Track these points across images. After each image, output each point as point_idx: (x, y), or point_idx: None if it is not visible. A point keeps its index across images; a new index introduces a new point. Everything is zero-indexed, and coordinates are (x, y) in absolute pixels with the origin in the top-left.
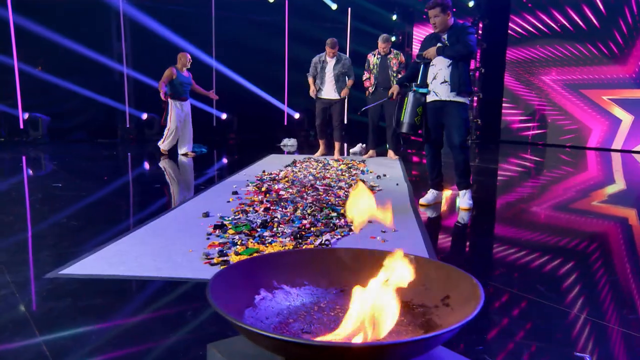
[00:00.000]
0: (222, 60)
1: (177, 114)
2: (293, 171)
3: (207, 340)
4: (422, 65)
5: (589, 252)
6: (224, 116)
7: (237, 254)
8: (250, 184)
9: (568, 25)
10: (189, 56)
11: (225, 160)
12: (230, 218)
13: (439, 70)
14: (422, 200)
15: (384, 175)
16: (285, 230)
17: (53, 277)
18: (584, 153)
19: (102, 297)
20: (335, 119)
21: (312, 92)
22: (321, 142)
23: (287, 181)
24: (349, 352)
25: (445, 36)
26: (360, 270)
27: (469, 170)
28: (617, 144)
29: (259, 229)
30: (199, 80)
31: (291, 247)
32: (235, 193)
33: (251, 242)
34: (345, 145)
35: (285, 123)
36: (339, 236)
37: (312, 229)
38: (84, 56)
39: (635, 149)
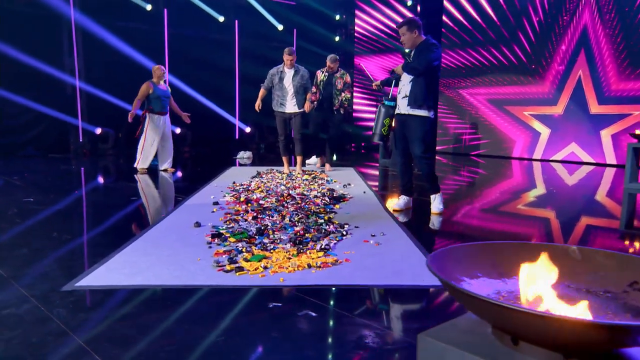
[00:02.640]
0: (176, 76)
1: (153, 128)
2: (262, 182)
3: (248, 339)
4: (393, 80)
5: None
6: (177, 130)
7: (246, 260)
8: (226, 195)
9: (494, 51)
10: (163, 68)
11: (188, 173)
12: (224, 227)
13: (403, 85)
14: (395, 206)
15: (349, 184)
16: (281, 237)
17: (71, 290)
18: (509, 162)
19: (134, 306)
20: (296, 132)
21: (257, 105)
22: (284, 159)
23: (261, 191)
24: (597, 330)
25: (412, 53)
26: (524, 261)
27: (434, 177)
28: (538, 154)
29: (257, 237)
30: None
31: (294, 252)
32: (216, 203)
33: (254, 249)
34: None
35: (237, 137)
36: (335, 241)
37: (306, 235)
38: (34, 69)
39: (553, 158)
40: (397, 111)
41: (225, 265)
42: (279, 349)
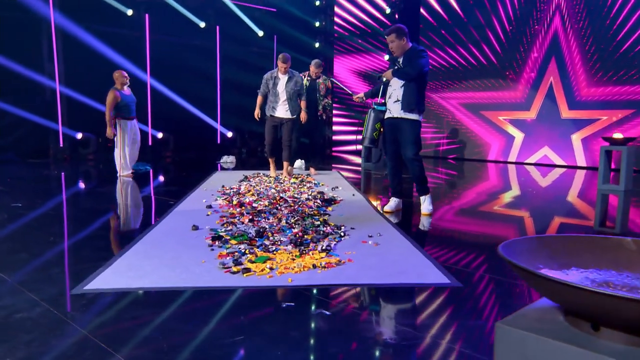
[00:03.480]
0: (157, 81)
1: (124, 134)
2: (251, 185)
3: (269, 339)
4: (382, 85)
5: None
6: (160, 135)
7: (251, 261)
8: (218, 198)
9: (469, 57)
10: (124, 73)
11: (175, 178)
12: (222, 230)
13: (394, 90)
14: (386, 208)
15: (337, 188)
16: (281, 239)
17: (81, 293)
18: (485, 165)
19: (149, 308)
20: (285, 139)
21: (256, 114)
22: (271, 160)
23: (252, 194)
24: None
25: (400, 59)
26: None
27: (424, 178)
28: (512, 157)
29: (257, 239)
30: (137, 97)
31: (297, 253)
32: (209, 207)
33: (257, 251)
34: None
35: (219, 141)
36: (334, 242)
37: (305, 236)
38: (13, 73)
39: (527, 161)
40: (388, 115)
41: (231, 267)
42: (302, 347)
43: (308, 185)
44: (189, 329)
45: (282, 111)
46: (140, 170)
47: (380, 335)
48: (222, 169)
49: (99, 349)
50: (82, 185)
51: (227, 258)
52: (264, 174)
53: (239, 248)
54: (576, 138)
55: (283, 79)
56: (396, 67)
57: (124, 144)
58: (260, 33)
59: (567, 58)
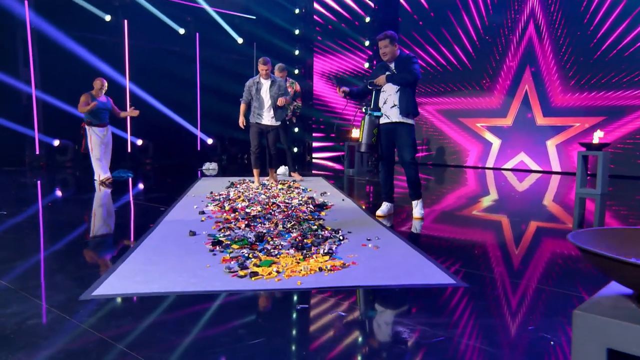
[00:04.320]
0: (137, 87)
1: (96, 140)
2: (240, 192)
3: (291, 340)
4: (374, 91)
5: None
6: (139, 142)
7: (256, 265)
8: (209, 204)
9: (445, 64)
10: (104, 81)
11: (159, 184)
12: (220, 235)
13: (389, 95)
14: (378, 212)
15: (326, 193)
16: (282, 243)
17: (90, 299)
18: (464, 171)
19: (164, 312)
20: (272, 146)
21: (241, 122)
22: (255, 172)
23: (243, 200)
24: None
25: (392, 65)
26: None
27: (419, 182)
28: (490, 162)
29: (258, 243)
30: (117, 104)
31: (300, 257)
32: (202, 213)
33: (261, 255)
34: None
35: (199, 148)
36: (335, 245)
37: (305, 241)
38: None
39: (504, 166)
40: (385, 120)
41: (237, 271)
42: (327, 348)
43: (297, 191)
44: (209, 332)
45: (267, 118)
46: (122, 177)
47: (399, 335)
48: (204, 175)
49: (122, 353)
50: (65, 192)
51: (232, 262)
52: (250, 180)
53: (242, 252)
54: (551, 144)
55: (266, 84)
56: (389, 73)
57: (97, 149)
58: (240, 40)
59: (542, 67)
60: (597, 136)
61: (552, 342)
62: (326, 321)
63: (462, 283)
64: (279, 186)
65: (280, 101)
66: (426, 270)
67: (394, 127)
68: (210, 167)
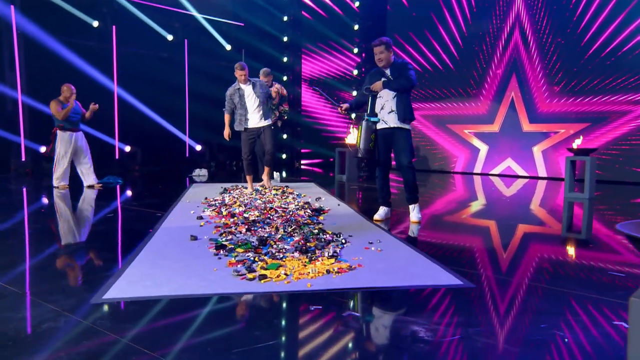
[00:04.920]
0: (126, 92)
1: (63, 144)
2: (235, 197)
3: (311, 340)
4: (370, 97)
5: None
6: (127, 148)
7: (263, 268)
8: (205, 210)
9: (432, 70)
10: (73, 88)
11: (152, 190)
12: (223, 239)
13: (386, 101)
14: (376, 216)
15: (321, 198)
16: (285, 247)
17: (100, 302)
18: (451, 176)
19: (180, 315)
20: (269, 145)
21: (226, 134)
22: (248, 178)
23: (239, 205)
24: None
25: (388, 71)
26: None
27: (416, 186)
28: (478, 168)
29: (262, 247)
30: (104, 111)
31: (306, 260)
32: (200, 218)
33: (266, 258)
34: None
35: (187, 155)
36: (338, 249)
37: (307, 244)
38: None
39: (491, 172)
40: (382, 126)
41: (245, 274)
42: (345, 349)
43: (292, 196)
44: (228, 333)
45: (255, 120)
46: (112, 184)
47: (417, 334)
48: (193, 182)
49: (143, 354)
50: (57, 199)
51: (239, 266)
52: (243, 187)
53: (248, 256)
54: (537, 150)
55: (248, 89)
56: (385, 80)
57: (60, 153)
58: (228, 47)
59: (528, 74)
60: (576, 144)
61: (565, 340)
62: (341, 322)
63: (469, 284)
64: (273, 191)
65: (277, 88)
66: (432, 271)
67: (391, 132)
68: (201, 173)
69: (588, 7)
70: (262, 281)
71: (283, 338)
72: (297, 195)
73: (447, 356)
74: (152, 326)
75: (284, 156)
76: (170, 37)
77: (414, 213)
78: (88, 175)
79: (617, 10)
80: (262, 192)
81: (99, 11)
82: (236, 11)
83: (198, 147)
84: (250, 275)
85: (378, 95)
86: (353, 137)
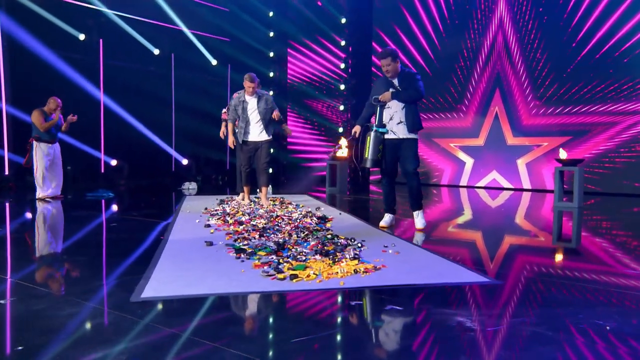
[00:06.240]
0: (112, 106)
1: (42, 157)
2: (235, 207)
3: (364, 330)
4: (378, 108)
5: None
6: (114, 162)
7: (290, 269)
8: (209, 219)
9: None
10: (60, 102)
11: (147, 202)
12: (240, 244)
13: (395, 112)
14: (382, 223)
15: (320, 208)
16: (304, 250)
17: (140, 301)
18: (439, 189)
19: (230, 311)
20: (263, 162)
21: (230, 142)
22: (245, 189)
23: (242, 214)
24: None
25: (396, 81)
26: None
27: (420, 193)
28: (464, 181)
29: (282, 251)
30: (91, 123)
31: (329, 262)
32: (208, 226)
33: (290, 261)
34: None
35: (173, 169)
36: (357, 251)
37: (325, 248)
38: None
39: (477, 184)
40: (391, 137)
41: (275, 274)
42: (402, 337)
43: (291, 206)
44: (279, 326)
45: (255, 134)
46: (103, 197)
47: (463, 324)
48: (182, 195)
49: (205, 345)
50: (52, 210)
51: (265, 267)
52: (239, 199)
53: (272, 258)
54: (521, 162)
55: (252, 102)
56: (394, 91)
57: (42, 166)
58: (214, 62)
59: (512, 88)
60: (562, 156)
61: (607, 327)
62: (386, 314)
63: (495, 281)
64: (271, 202)
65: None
66: (455, 271)
67: (399, 142)
68: (190, 186)
69: (572, 17)
70: (294, 280)
71: (334, 330)
72: (296, 205)
73: (501, 343)
74: (205, 320)
75: (270, 170)
76: (156, 51)
77: (418, 219)
78: (54, 186)
79: (600, 21)
80: (261, 203)
81: (85, 24)
82: (222, 26)
83: (184, 161)
84: (280, 276)
85: (386, 106)
86: (344, 150)
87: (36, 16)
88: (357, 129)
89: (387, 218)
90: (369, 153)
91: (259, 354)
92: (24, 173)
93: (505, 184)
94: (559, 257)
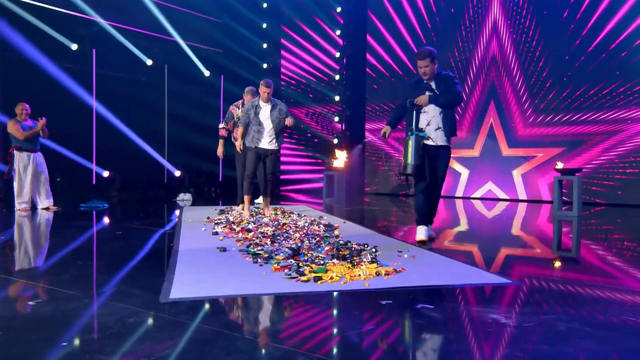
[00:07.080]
0: (104, 116)
1: (22, 166)
2: (237, 216)
3: (398, 327)
4: (414, 111)
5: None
6: (105, 173)
7: (311, 271)
8: (215, 227)
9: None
10: (27, 106)
11: (145, 213)
12: (255, 249)
13: (432, 117)
14: (420, 237)
15: (323, 217)
16: (320, 255)
17: (170, 301)
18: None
19: (256, 311)
20: (269, 171)
21: (238, 145)
22: (246, 198)
23: (247, 222)
24: None
25: (433, 84)
26: None
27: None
28: (459, 192)
29: (299, 255)
30: (83, 134)
31: (349, 265)
32: (216, 233)
33: (310, 264)
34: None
35: (166, 180)
36: (373, 255)
37: (340, 253)
38: None
39: (473, 195)
40: (429, 143)
41: (298, 277)
42: (439, 333)
43: (293, 215)
44: (318, 323)
45: (266, 142)
46: (98, 208)
47: (498, 321)
48: (178, 206)
49: (244, 340)
50: (49, 218)
51: (285, 271)
52: (239, 209)
53: (291, 262)
54: (516, 174)
55: (266, 108)
56: (431, 94)
57: (22, 176)
58: (207, 73)
59: (508, 99)
60: (560, 165)
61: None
62: (419, 313)
63: (515, 282)
64: (272, 211)
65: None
66: (475, 273)
67: (436, 149)
68: (185, 197)
69: (572, 17)
70: (319, 282)
71: (374, 325)
72: (298, 214)
73: (539, 337)
74: (241, 318)
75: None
76: (149, 62)
77: (428, 230)
78: (44, 197)
79: (590, 36)
80: (263, 212)
81: (78, 34)
82: (216, 37)
83: (177, 173)
84: (304, 278)
85: (423, 110)
86: (342, 160)
87: (29, 25)
88: (387, 129)
89: (422, 230)
90: (410, 158)
91: (314, 349)
92: (12, 184)
93: (500, 194)
94: (569, 262)
